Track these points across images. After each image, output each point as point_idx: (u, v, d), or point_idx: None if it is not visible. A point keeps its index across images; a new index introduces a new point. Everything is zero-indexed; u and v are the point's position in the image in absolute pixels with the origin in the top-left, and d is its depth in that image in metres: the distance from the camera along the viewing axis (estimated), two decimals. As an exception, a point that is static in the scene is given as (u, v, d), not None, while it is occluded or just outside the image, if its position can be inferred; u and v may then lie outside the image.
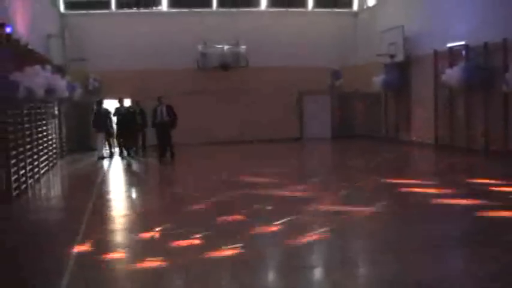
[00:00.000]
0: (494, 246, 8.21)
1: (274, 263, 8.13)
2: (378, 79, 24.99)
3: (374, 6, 28.60)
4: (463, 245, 8.65)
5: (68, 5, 26.86)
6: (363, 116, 28.78)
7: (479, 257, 7.82)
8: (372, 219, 10.38)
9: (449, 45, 20.92)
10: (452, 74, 19.86)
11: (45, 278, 7.43)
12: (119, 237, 9.88)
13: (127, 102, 24.19)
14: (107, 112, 22.93)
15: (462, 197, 11.98)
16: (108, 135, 23.20)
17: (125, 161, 21.60)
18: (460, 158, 19.70)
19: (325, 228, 9.52)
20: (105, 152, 22.95)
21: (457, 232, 9.35)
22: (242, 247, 8.44)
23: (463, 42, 20.15)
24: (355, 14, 29.62)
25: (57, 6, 25.77)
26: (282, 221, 10.06)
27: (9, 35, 13.50)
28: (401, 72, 24.37)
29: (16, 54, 13.73)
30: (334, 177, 16.63)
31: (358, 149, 24.89)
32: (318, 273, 7.60)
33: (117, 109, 23.16)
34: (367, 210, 11.08)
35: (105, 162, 21.16)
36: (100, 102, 23.04)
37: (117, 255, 8.52)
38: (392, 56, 24.27)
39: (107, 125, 22.73)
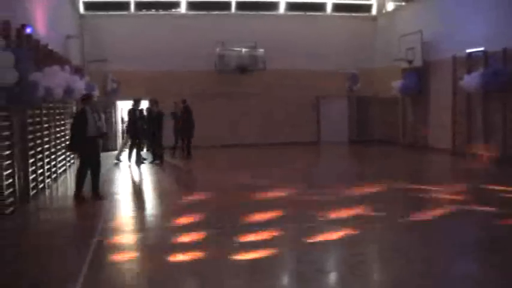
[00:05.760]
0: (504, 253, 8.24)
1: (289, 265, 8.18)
2: (396, 84, 24.93)
3: (393, 11, 28.55)
4: (472, 251, 8.65)
5: (87, 6, 27.03)
6: (381, 121, 28.68)
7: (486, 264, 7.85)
8: (385, 224, 10.36)
9: (468, 51, 20.81)
10: (470, 80, 19.76)
11: (61, 280, 7.50)
12: (133, 237, 9.95)
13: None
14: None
15: (476, 204, 11.91)
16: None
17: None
18: (476, 164, 19.54)
19: (340, 233, 9.53)
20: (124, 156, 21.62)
21: (468, 239, 9.35)
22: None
23: (482, 48, 20.04)
24: (374, 18, 29.53)
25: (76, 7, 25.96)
26: (292, 225, 10.12)
27: (29, 36, 13.63)
28: (420, 77, 24.26)
29: (36, 54, 13.84)
30: (347, 182, 16.60)
31: (375, 155, 24.87)
32: (332, 277, 7.63)
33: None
34: (379, 215, 11.08)
35: (124, 165, 20.78)
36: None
37: (130, 254, 8.63)
38: (410, 61, 24.19)
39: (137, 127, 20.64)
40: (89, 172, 13.36)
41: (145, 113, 21.21)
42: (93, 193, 13.39)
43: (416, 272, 7.47)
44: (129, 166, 20.17)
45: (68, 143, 14.84)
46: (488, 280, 7.22)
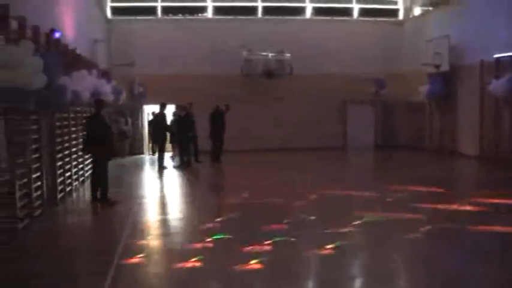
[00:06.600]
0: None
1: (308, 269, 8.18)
2: (423, 88, 24.75)
3: (420, 15, 28.40)
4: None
5: (114, 11, 27.27)
6: (407, 126, 28.48)
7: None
8: (406, 231, 10.30)
9: (495, 56, 20.61)
10: (497, 85, 19.58)
11: (87, 283, 7.59)
12: (159, 241, 10.03)
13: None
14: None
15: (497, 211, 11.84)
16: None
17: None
18: (502, 171, 19.24)
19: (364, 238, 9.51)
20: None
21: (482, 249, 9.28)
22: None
23: (510, 53, 19.83)
24: (401, 23, 29.38)
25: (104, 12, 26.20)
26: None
27: (58, 40, 13.79)
28: (446, 82, 24.06)
29: (64, 58, 13.99)
30: (375, 188, 16.52)
31: (403, 160, 24.70)
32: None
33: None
34: (402, 221, 11.03)
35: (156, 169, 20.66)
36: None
37: (156, 257, 8.72)
38: (437, 66, 24.01)
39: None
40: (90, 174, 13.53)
41: (172, 117, 21.39)
42: (92, 196, 13.53)
43: (435, 278, 7.48)
44: (158, 170, 20.23)
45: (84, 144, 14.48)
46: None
